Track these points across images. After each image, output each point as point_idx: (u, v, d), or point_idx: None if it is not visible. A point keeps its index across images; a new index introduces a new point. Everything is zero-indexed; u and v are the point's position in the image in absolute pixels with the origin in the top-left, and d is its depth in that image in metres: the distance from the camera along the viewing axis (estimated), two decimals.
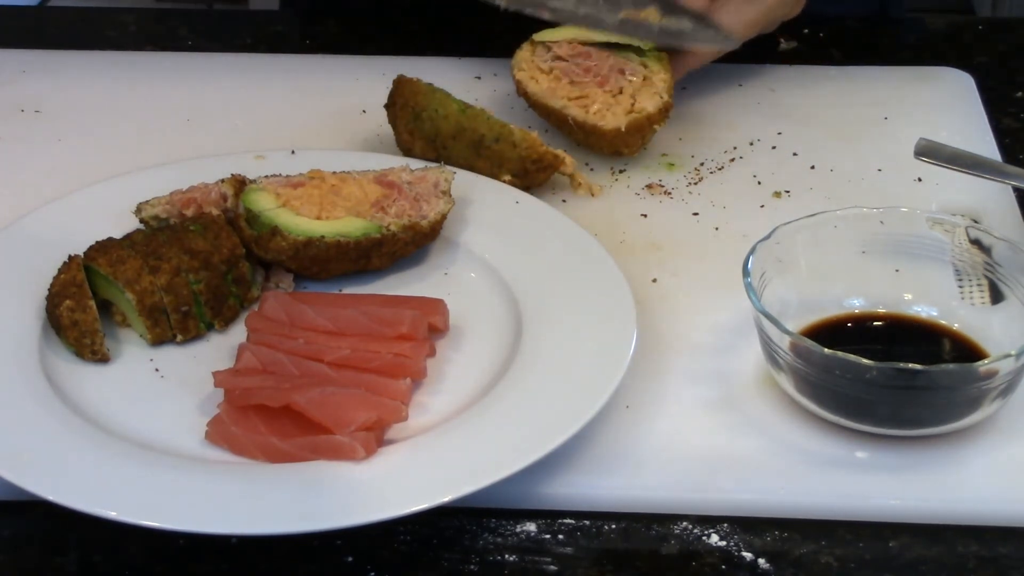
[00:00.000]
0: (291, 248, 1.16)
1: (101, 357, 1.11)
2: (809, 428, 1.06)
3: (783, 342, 1.04)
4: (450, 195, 1.21)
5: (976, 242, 1.12)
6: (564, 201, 1.29)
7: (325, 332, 1.11)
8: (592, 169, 1.33)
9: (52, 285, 1.11)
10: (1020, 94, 1.46)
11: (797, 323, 1.09)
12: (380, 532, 1.00)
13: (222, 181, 1.21)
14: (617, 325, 1.10)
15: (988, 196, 1.28)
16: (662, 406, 1.09)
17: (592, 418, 1.03)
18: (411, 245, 1.19)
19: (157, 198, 1.21)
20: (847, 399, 1.04)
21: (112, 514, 0.96)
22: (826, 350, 1.02)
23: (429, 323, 1.12)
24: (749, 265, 1.08)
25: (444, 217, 1.20)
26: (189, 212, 1.19)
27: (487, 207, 1.24)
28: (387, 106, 1.31)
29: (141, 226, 1.20)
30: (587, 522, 1.02)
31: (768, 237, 1.11)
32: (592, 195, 1.29)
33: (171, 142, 1.36)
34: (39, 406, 1.05)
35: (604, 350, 1.08)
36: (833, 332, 1.10)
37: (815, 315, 1.11)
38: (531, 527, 1.01)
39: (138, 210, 1.20)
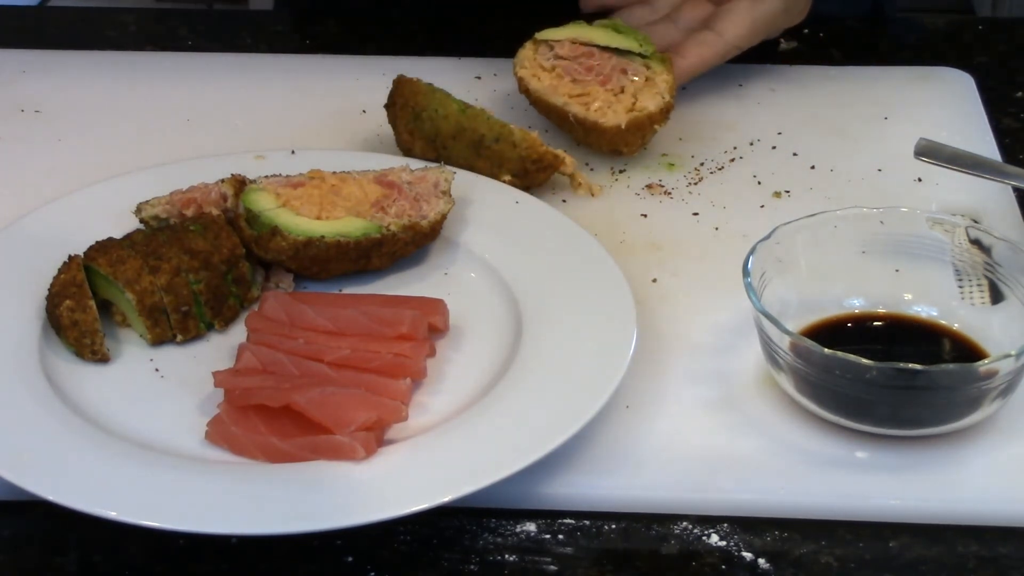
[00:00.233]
0: (291, 248, 1.16)
1: (101, 357, 1.11)
2: (809, 428, 1.06)
3: (783, 342, 1.04)
4: (450, 195, 1.21)
5: (976, 242, 1.12)
6: (564, 201, 1.29)
7: (325, 332, 1.11)
8: (592, 169, 1.33)
9: (52, 285, 1.11)
10: (1020, 94, 1.46)
11: (797, 323, 1.09)
12: (380, 532, 1.00)
13: (222, 181, 1.21)
14: (617, 325, 1.10)
15: (988, 196, 1.28)
16: (662, 406, 1.09)
17: (592, 418, 1.03)
18: (411, 245, 1.19)
19: (157, 198, 1.21)
20: (847, 399, 1.04)
21: (112, 514, 0.96)
22: (826, 350, 1.02)
23: (429, 323, 1.12)
24: (749, 265, 1.08)
25: (444, 217, 1.20)
26: (189, 212, 1.19)
27: (487, 207, 1.24)
28: (387, 106, 1.31)
29: (141, 226, 1.20)
30: (587, 522, 1.02)
31: (768, 237, 1.11)
32: (592, 195, 1.29)
33: (171, 142, 1.36)
34: (39, 406, 1.05)
35: (604, 350, 1.08)
36: (833, 332, 1.10)
37: (815, 315, 1.11)
38: (531, 527, 1.01)
39: (138, 210, 1.20)
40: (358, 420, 1.01)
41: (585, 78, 1.32)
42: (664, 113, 1.30)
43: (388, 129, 1.32)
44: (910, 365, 1.01)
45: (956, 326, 1.11)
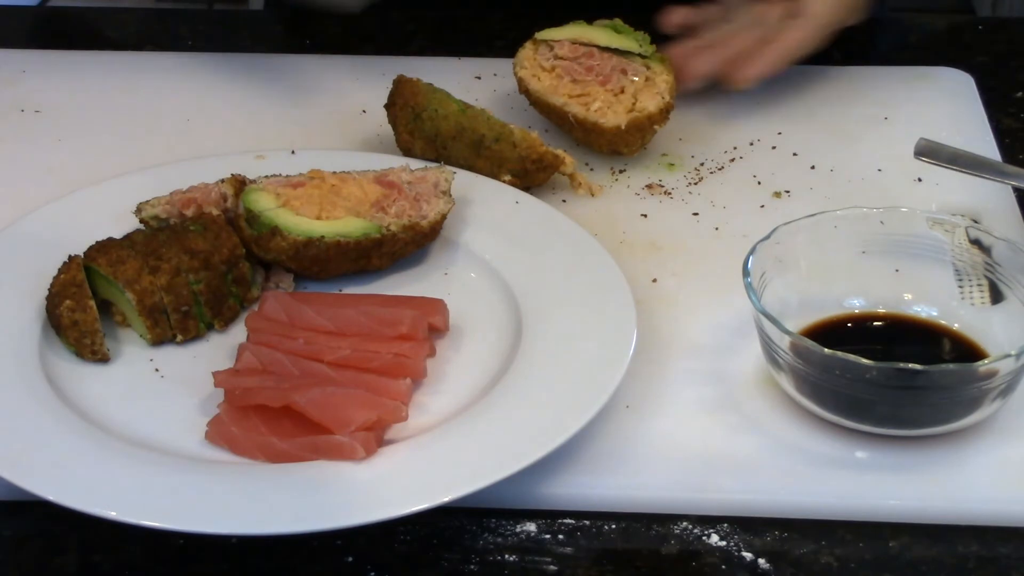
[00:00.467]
0: (291, 248, 1.16)
1: (101, 357, 1.11)
2: (809, 428, 1.06)
3: (783, 342, 1.04)
4: (450, 195, 1.21)
5: (976, 242, 1.12)
6: (564, 201, 1.29)
7: (325, 332, 1.11)
8: (592, 169, 1.33)
9: (52, 285, 1.11)
10: (1020, 94, 1.46)
11: (797, 323, 1.09)
12: (380, 532, 1.00)
13: (222, 181, 1.21)
14: (617, 325, 1.10)
15: (988, 196, 1.28)
16: (662, 406, 1.09)
17: (592, 418, 1.03)
18: (411, 245, 1.19)
19: (157, 198, 1.21)
20: (847, 399, 1.04)
21: (112, 514, 0.96)
22: (826, 350, 1.02)
23: (429, 323, 1.12)
24: (749, 265, 1.08)
25: (444, 217, 1.20)
26: (189, 212, 1.19)
27: (487, 207, 1.24)
28: (387, 106, 1.31)
29: (141, 226, 1.20)
30: (587, 522, 1.02)
31: (768, 237, 1.11)
32: (592, 195, 1.29)
33: (171, 142, 1.36)
34: (39, 406, 1.05)
35: (604, 350, 1.08)
36: (833, 332, 1.10)
37: (815, 315, 1.11)
38: (531, 527, 1.01)
39: (138, 210, 1.20)
40: (358, 420, 1.01)
41: (585, 78, 1.33)
42: (664, 113, 1.30)
43: (388, 129, 1.32)
44: (910, 365, 1.01)
45: (956, 326, 1.11)
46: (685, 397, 1.09)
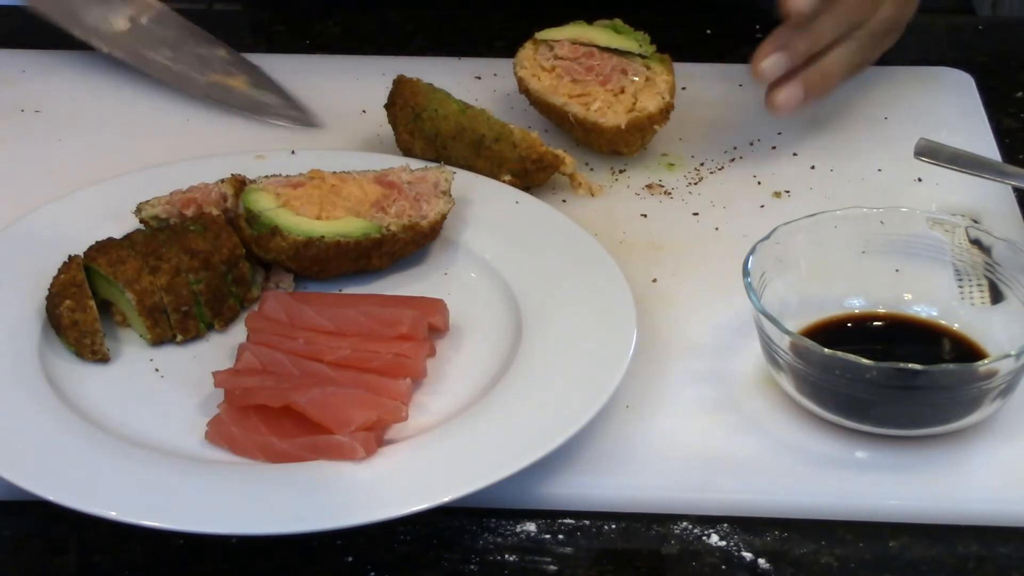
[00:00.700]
0: (291, 248, 1.16)
1: (101, 357, 1.11)
2: (809, 428, 1.06)
3: (783, 342, 1.04)
4: (450, 195, 1.21)
5: (976, 242, 1.12)
6: (564, 201, 1.29)
7: (325, 332, 1.11)
8: (592, 169, 1.33)
9: (52, 285, 1.11)
10: (1020, 94, 1.46)
11: (797, 323, 1.09)
12: (380, 532, 1.00)
13: (222, 181, 1.21)
14: (617, 325, 1.10)
15: (988, 196, 1.28)
16: (662, 406, 1.09)
17: (592, 418, 1.03)
18: (411, 245, 1.19)
19: (157, 198, 1.21)
20: (847, 399, 1.04)
21: (112, 514, 0.96)
22: (826, 350, 1.02)
23: (429, 323, 1.12)
24: (749, 265, 1.08)
25: (444, 217, 1.20)
26: (189, 212, 1.19)
27: (487, 207, 1.24)
28: (387, 106, 1.31)
29: (141, 226, 1.20)
30: (587, 522, 1.02)
31: (768, 237, 1.11)
32: (592, 195, 1.29)
33: (171, 142, 1.36)
34: (39, 406, 1.05)
35: (604, 350, 1.08)
36: (833, 332, 1.10)
37: (815, 315, 1.11)
38: (531, 527, 1.01)
39: (138, 210, 1.20)
40: (358, 420, 1.01)
41: (585, 78, 1.33)
42: (664, 113, 1.30)
43: (388, 129, 1.32)
44: (910, 365, 1.01)
45: (956, 326, 1.11)
46: (685, 397, 1.09)
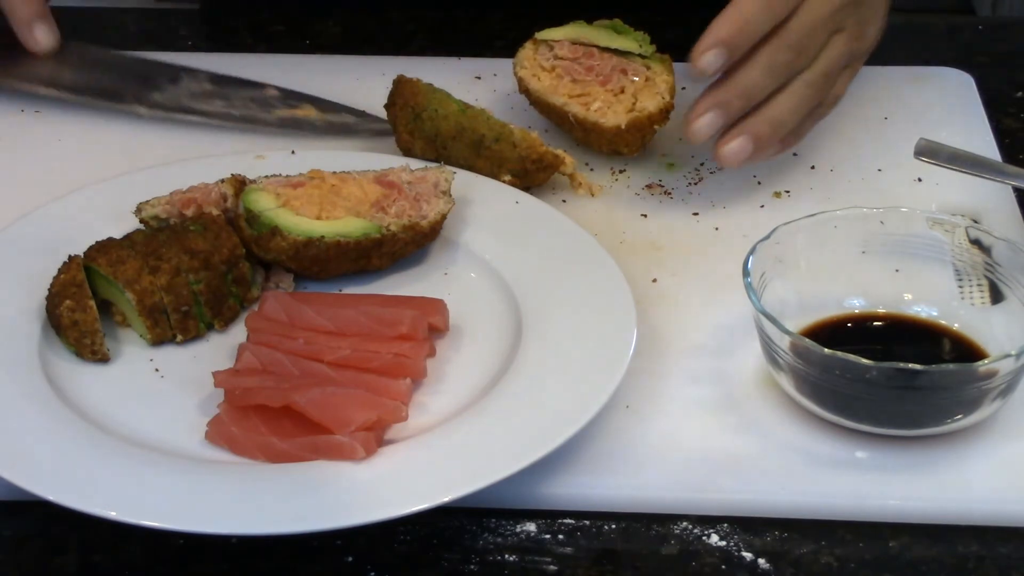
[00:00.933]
0: (291, 248, 1.16)
1: (101, 357, 1.11)
2: (809, 428, 1.06)
3: (783, 342, 1.04)
4: (450, 195, 1.21)
5: (976, 242, 1.12)
6: (564, 201, 1.29)
7: (325, 332, 1.11)
8: (592, 169, 1.33)
9: (52, 285, 1.11)
10: (1020, 94, 1.46)
11: (797, 323, 1.09)
12: (380, 532, 1.00)
13: (222, 181, 1.21)
14: (617, 325, 1.10)
15: (988, 196, 1.28)
16: (662, 406, 1.09)
17: (592, 418, 1.03)
18: (411, 245, 1.19)
19: (157, 198, 1.21)
20: (847, 399, 1.04)
21: (112, 514, 0.96)
22: (826, 350, 1.02)
23: (429, 323, 1.12)
24: (749, 265, 1.08)
25: (444, 217, 1.20)
26: (189, 212, 1.19)
27: (487, 207, 1.24)
28: (387, 106, 1.31)
29: (141, 226, 1.20)
30: (587, 522, 1.02)
31: (768, 237, 1.11)
32: (592, 195, 1.29)
33: (171, 142, 1.36)
34: (39, 406, 1.05)
35: (604, 350, 1.08)
36: (833, 332, 1.10)
37: (815, 315, 1.11)
38: (531, 527, 1.01)
39: (138, 210, 1.20)
40: (358, 420, 1.01)
41: (585, 78, 1.33)
42: (664, 113, 1.30)
43: (388, 129, 1.32)
44: (910, 365, 1.01)
45: (956, 326, 1.11)
46: (685, 397, 1.09)
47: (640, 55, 1.34)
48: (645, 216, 1.28)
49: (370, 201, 1.19)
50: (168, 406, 1.07)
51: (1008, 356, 1.01)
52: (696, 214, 1.28)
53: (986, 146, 1.35)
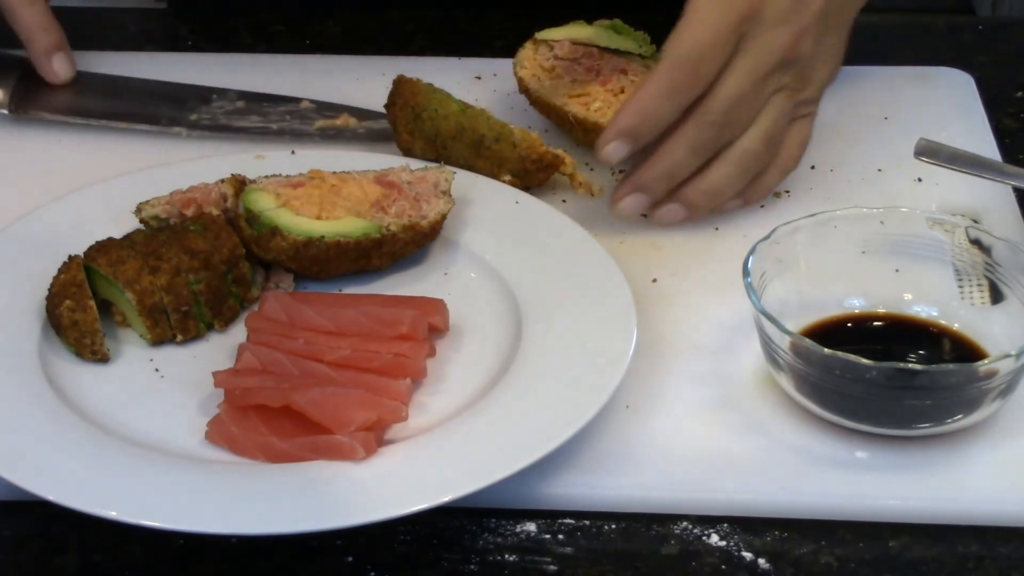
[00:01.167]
0: (291, 248, 1.16)
1: (101, 357, 1.11)
2: (809, 428, 1.06)
3: (783, 342, 1.04)
4: (450, 195, 1.21)
5: (976, 242, 1.12)
6: (564, 201, 1.29)
7: (325, 332, 1.11)
8: (592, 169, 1.33)
9: (52, 285, 1.11)
10: (1020, 94, 1.46)
11: (797, 323, 1.09)
12: (380, 532, 1.00)
13: (222, 181, 1.21)
14: (617, 325, 1.10)
15: (988, 196, 1.28)
16: (662, 406, 1.09)
17: (592, 418, 1.03)
18: (411, 245, 1.19)
19: (157, 198, 1.21)
20: (847, 399, 1.04)
21: (112, 514, 0.96)
22: (826, 350, 1.02)
23: (429, 323, 1.12)
24: (749, 265, 1.08)
25: (444, 217, 1.20)
26: (189, 212, 1.19)
27: (487, 207, 1.24)
28: (387, 106, 1.31)
29: (141, 226, 1.20)
30: (587, 522, 1.02)
31: (768, 237, 1.11)
32: (592, 195, 1.29)
33: (171, 142, 1.36)
34: (39, 406, 1.05)
35: (604, 350, 1.08)
36: (833, 332, 1.10)
37: (815, 315, 1.11)
38: (531, 527, 1.01)
39: (138, 210, 1.20)
40: (358, 420, 1.01)
41: (585, 78, 1.33)
42: None
43: (388, 129, 1.32)
44: (910, 365, 1.01)
45: (956, 326, 1.11)
46: (685, 397, 1.09)
47: (640, 55, 1.34)
48: (645, 216, 1.28)
49: (370, 201, 1.19)
50: (168, 406, 1.07)
51: (1008, 356, 1.01)
52: None
53: (986, 146, 1.35)
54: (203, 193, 1.20)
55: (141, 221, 1.20)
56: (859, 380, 1.02)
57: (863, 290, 1.13)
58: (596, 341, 1.09)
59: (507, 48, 1.39)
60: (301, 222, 1.16)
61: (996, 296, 1.11)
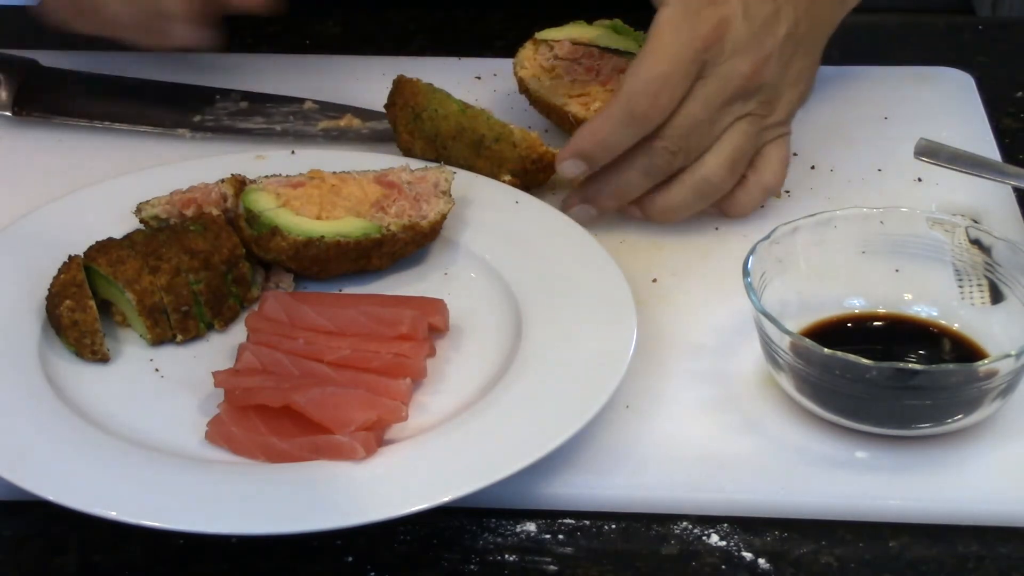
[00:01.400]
0: (291, 248, 1.16)
1: (101, 357, 1.11)
2: (809, 428, 1.06)
3: (783, 342, 1.04)
4: (450, 195, 1.21)
5: (976, 242, 1.12)
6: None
7: (325, 332, 1.11)
8: None
9: (52, 285, 1.11)
10: (1020, 94, 1.46)
11: (797, 323, 1.09)
12: (380, 532, 1.00)
13: (222, 181, 1.21)
14: (617, 325, 1.10)
15: (988, 196, 1.28)
16: (662, 406, 1.09)
17: (592, 418, 1.03)
18: (411, 245, 1.19)
19: (157, 198, 1.21)
20: (847, 399, 1.04)
21: (112, 514, 0.96)
22: (826, 350, 1.02)
23: (429, 323, 1.12)
24: (749, 265, 1.08)
25: (444, 217, 1.20)
26: (189, 212, 1.19)
27: (487, 207, 1.24)
28: (387, 106, 1.31)
29: (141, 226, 1.20)
30: (587, 522, 1.02)
31: (768, 237, 1.11)
32: None
33: (171, 142, 1.36)
34: (39, 406, 1.05)
35: (604, 350, 1.08)
36: (833, 332, 1.10)
37: (815, 315, 1.11)
38: (531, 527, 1.01)
39: (138, 210, 1.20)
40: (358, 420, 1.01)
41: (585, 78, 1.33)
42: None
43: (388, 129, 1.32)
44: (910, 365, 1.01)
45: (956, 326, 1.11)
46: (685, 397, 1.09)
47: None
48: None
49: (370, 201, 1.19)
50: (168, 406, 1.07)
51: (1008, 356, 1.01)
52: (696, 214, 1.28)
53: (986, 146, 1.35)
54: (203, 193, 1.20)
55: (141, 221, 1.20)
56: (859, 380, 1.02)
57: (863, 290, 1.13)
58: (596, 341, 1.09)
59: (507, 48, 1.39)
60: (301, 222, 1.16)
61: (996, 296, 1.11)
